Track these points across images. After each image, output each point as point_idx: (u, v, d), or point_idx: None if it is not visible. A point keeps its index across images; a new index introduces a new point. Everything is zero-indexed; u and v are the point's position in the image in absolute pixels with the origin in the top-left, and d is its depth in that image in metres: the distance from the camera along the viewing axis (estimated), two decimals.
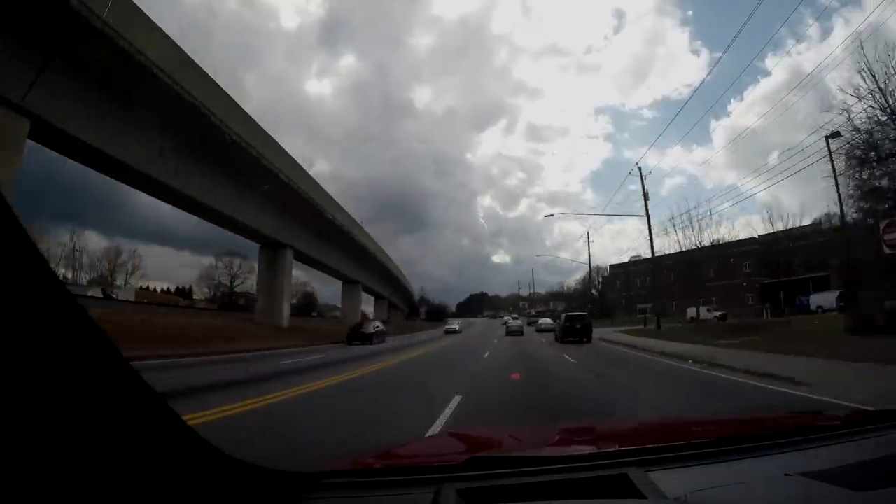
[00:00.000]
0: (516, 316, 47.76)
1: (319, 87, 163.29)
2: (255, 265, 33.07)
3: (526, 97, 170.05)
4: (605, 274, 61.21)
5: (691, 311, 32.41)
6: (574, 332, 20.48)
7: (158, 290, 52.69)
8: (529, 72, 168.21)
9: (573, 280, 70.47)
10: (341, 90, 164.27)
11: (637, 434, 1.65)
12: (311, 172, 24.24)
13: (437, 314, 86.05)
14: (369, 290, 48.24)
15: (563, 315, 24.33)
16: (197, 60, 14.09)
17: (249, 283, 54.02)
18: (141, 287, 45.64)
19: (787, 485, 0.92)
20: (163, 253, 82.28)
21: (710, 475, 0.99)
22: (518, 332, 28.60)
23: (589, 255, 39.14)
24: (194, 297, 52.78)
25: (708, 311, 32.95)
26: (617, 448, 1.19)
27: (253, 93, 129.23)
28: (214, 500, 0.71)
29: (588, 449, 1.29)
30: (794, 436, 1.18)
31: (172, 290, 54.38)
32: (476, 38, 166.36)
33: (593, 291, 55.97)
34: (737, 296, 38.18)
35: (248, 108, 18.28)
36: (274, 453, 3.17)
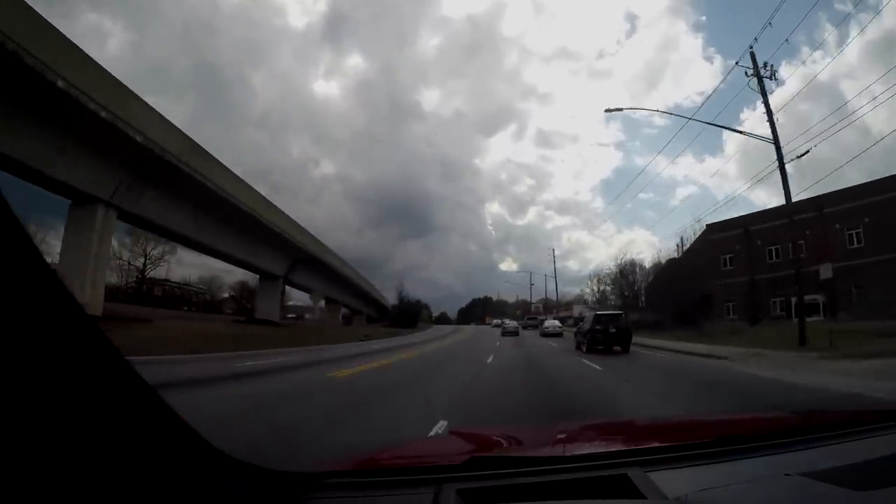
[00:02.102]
0: (509, 320, 47.68)
1: (326, 87, 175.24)
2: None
3: (536, 102, 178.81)
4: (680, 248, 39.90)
5: None
6: (605, 339, 15.83)
7: None
8: (540, 76, 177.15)
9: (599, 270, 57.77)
10: (348, 91, 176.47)
11: (637, 434, 1.74)
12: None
13: (412, 317, 69.71)
14: (181, 241, 30.39)
15: (590, 315, 18.78)
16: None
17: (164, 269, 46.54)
18: None
19: (787, 485, 1.00)
20: None
21: (710, 475, 1.07)
22: (514, 333, 34.27)
23: (770, 117, 16.70)
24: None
25: None
26: (617, 448, 1.30)
27: (259, 91, 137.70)
28: (215, 500, 0.78)
29: (588, 449, 1.41)
30: (794, 436, 1.26)
31: None
32: (486, 40, 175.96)
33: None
34: None
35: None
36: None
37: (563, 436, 1.75)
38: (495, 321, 60.23)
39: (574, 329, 20.77)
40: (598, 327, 15.96)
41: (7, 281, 0.48)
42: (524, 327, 46.08)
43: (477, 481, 1.03)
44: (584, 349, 16.10)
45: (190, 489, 0.72)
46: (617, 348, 15.86)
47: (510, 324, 40.13)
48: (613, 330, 15.78)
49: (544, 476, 1.06)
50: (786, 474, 1.02)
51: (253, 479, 0.88)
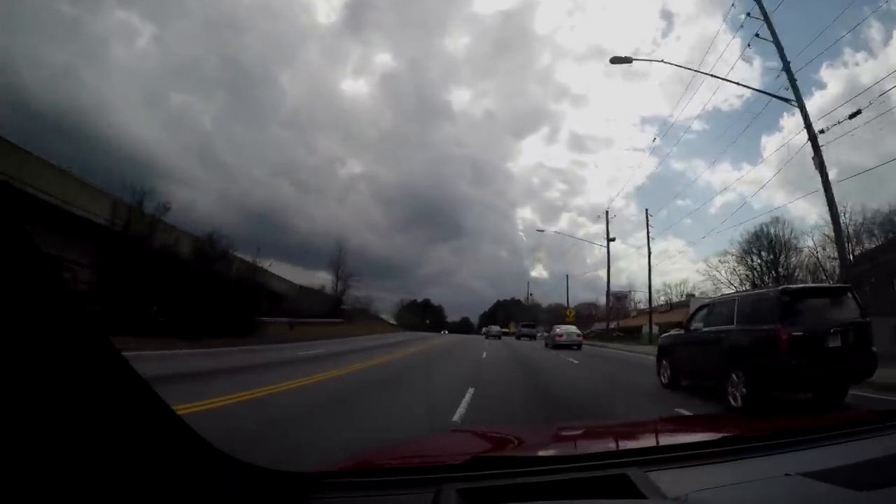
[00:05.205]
0: (493, 327, 53.01)
1: (354, 85, 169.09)
2: None
3: (569, 103, 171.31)
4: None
5: None
6: (827, 367, 5.74)
7: None
8: (573, 76, 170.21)
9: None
10: (375, 88, 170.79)
11: (637, 434, 1.75)
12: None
13: (249, 307, 24.03)
14: None
15: (760, 297, 7.14)
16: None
17: None
18: None
19: (787, 485, 1.01)
20: None
21: (710, 475, 1.08)
22: (497, 337, 41.02)
23: None
24: None
25: None
26: (617, 448, 1.32)
27: (287, 88, 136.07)
28: (212, 500, 0.78)
29: (588, 449, 1.41)
30: (794, 436, 1.27)
31: None
32: (517, 38, 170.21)
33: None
34: None
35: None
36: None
37: (563, 435, 1.78)
38: (484, 329, 59.65)
39: (672, 335, 9.51)
40: (797, 334, 6.00)
41: (6, 280, 0.49)
42: (518, 337, 41.64)
43: (477, 481, 1.05)
44: (739, 400, 6.21)
45: (188, 488, 0.72)
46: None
47: (493, 329, 49.60)
48: (836, 343, 6.06)
49: (544, 476, 1.07)
50: (786, 474, 1.03)
51: (253, 479, 0.89)
